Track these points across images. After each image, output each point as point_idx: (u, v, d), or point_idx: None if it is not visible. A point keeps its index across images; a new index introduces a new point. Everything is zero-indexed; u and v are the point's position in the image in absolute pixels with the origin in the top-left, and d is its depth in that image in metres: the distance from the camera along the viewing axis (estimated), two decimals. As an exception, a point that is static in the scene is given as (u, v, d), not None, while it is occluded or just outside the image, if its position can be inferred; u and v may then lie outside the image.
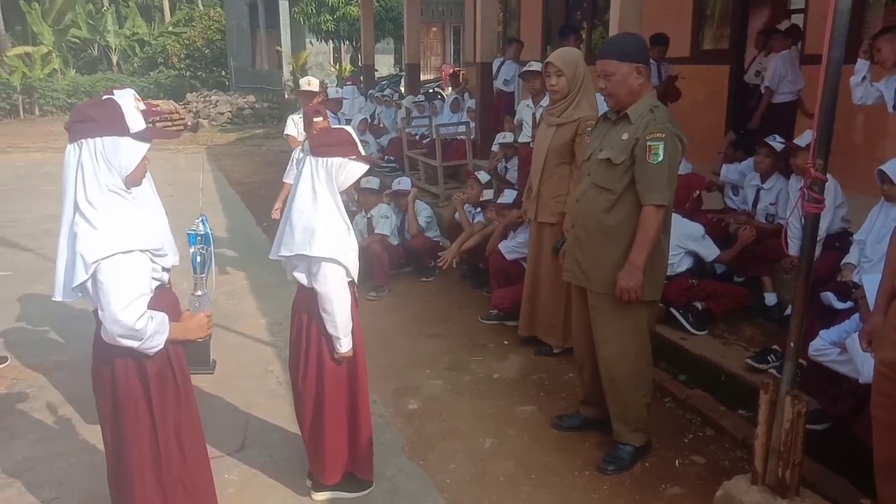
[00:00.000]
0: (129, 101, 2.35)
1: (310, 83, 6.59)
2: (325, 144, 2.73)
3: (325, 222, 2.74)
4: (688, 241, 4.56)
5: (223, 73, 30.05)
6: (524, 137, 6.48)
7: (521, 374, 4.45)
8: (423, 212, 6.48)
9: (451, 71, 14.82)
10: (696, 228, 4.63)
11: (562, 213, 4.31)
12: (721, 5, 7.89)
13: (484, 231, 5.77)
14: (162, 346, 2.34)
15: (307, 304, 2.91)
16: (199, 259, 2.68)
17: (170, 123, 18.36)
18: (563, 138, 4.19)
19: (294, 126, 6.44)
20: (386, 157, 10.22)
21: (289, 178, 5.78)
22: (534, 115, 6.32)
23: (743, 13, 7.78)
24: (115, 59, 29.97)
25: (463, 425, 3.83)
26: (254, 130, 19.00)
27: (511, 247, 5.23)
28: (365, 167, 2.82)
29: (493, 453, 3.57)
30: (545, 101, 6.09)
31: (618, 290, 3.15)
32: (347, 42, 20.29)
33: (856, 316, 3.21)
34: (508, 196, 5.46)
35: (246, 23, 28.08)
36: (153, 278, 2.35)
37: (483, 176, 6.24)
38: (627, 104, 3.17)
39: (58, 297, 2.29)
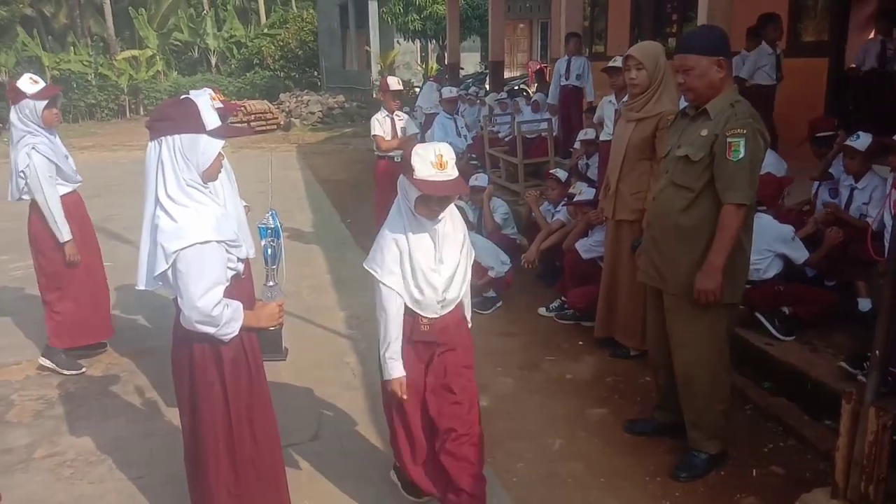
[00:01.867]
0: (205, 100, 2.47)
1: (399, 82, 6.67)
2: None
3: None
4: (777, 243, 4.36)
5: (315, 73, 30.85)
6: (605, 135, 6.37)
7: (594, 376, 4.38)
8: (499, 208, 6.47)
9: (537, 67, 14.73)
10: (786, 230, 4.43)
11: (642, 210, 4.20)
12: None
13: (563, 230, 5.70)
14: (237, 332, 2.44)
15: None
16: (269, 251, 2.79)
17: (263, 122, 19.07)
18: (642, 133, 4.09)
19: (380, 126, 6.55)
20: (469, 155, 10.26)
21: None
22: (616, 111, 6.21)
23: (845, 4, 7.36)
24: (213, 60, 31.27)
25: (532, 425, 3.80)
26: (343, 129, 19.44)
27: (588, 245, 5.14)
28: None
29: (562, 454, 3.53)
30: (627, 98, 5.98)
31: (696, 292, 3.05)
32: (434, 41, 20.47)
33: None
34: (587, 193, 5.37)
35: (337, 24, 28.77)
36: (229, 268, 2.45)
37: (561, 174, 6.16)
38: (707, 99, 3.06)
39: (141, 286, 2.43)
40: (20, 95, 4.21)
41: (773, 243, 4.31)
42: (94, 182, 10.50)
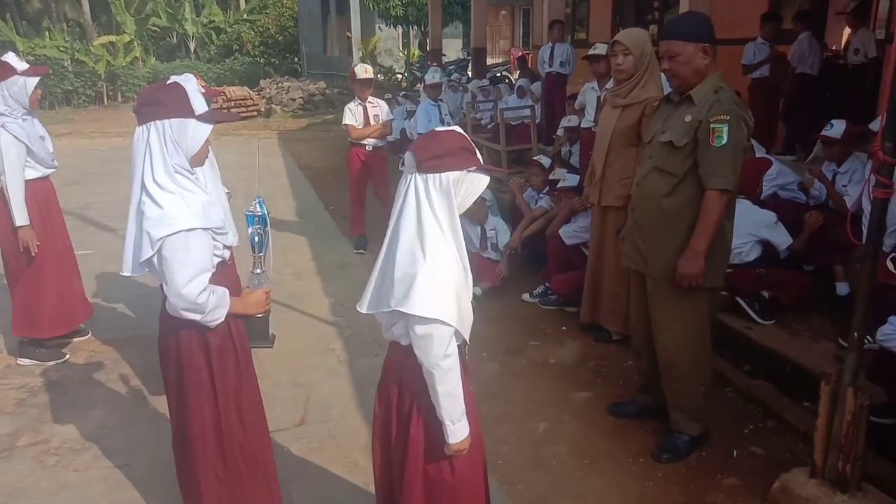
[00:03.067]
0: (192, 85, 2.45)
1: (366, 70, 6.61)
2: (435, 156, 1.99)
3: (433, 264, 1.97)
4: (760, 228, 4.43)
5: (296, 59, 30.57)
6: (587, 122, 6.41)
7: (578, 360, 4.42)
8: (485, 195, 6.49)
9: (519, 54, 14.72)
10: (768, 216, 4.50)
11: (628, 196, 4.22)
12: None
13: (546, 217, 5.73)
14: (223, 319, 2.43)
15: (401, 374, 2.19)
16: (256, 239, 2.78)
17: (243, 109, 18.90)
18: (628, 120, 4.11)
19: (351, 115, 6.52)
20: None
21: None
22: (599, 98, 6.23)
23: (824, -9, 7.44)
24: (192, 46, 30.88)
25: (517, 409, 3.84)
26: (324, 116, 19.31)
27: (571, 231, 5.18)
28: (486, 181, 2.07)
29: (547, 437, 3.57)
30: (610, 84, 6.00)
31: (678, 276, 3.09)
32: (416, 27, 20.37)
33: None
34: (571, 180, 5.40)
35: (318, 9, 28.49)
36: (215, 255, 2.45)
37: (545, 161, 6.18)
38: (692, 85, 3.09)
39: (126, 272, 2.41)
40: (9, 72, 4.08)
41: (755, 228, 4.38)
42: (73, 169, 10.39)
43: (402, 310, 1.98)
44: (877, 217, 2.42)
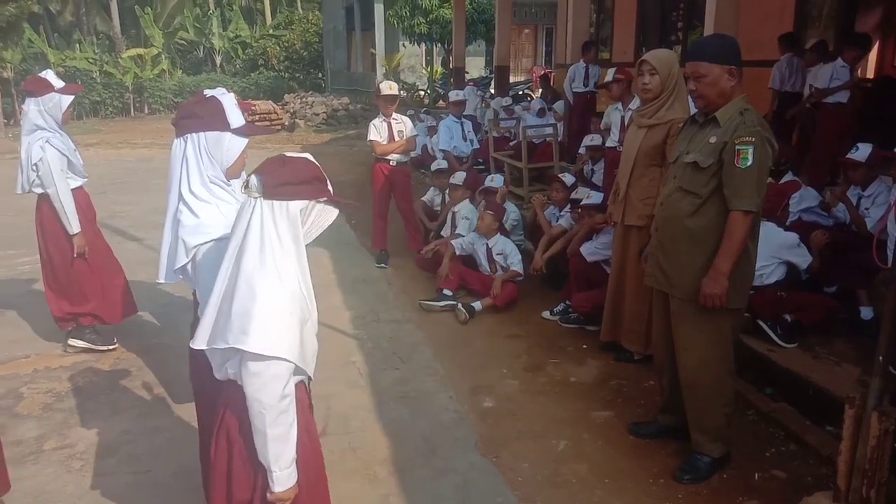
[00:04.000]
0: (229, 99, 2.53)
1: (391, 87, 6.69)
2: (287, 182, 1.94)
3: (275, 296, 1.90)
4: (783, 251, 4.40)
5: (320, 74, 30.94)
6: (612, 141, 6.43)
7: (599, 379, 4.42)
8: (511, 214, 6.51)
9: (541, 73, 14.79)
10: (791, 237, 4.47)
11: (650, 216, 4.22)
12: (828, 5, 7.54)
13: (566, 236, 5.74)
14: None
15: (238, 407, 2.01)
16: None
17: (267, 123, 19.13)
18: (653, 140, 4.11)
19: (376, 131, 6.61)
20: (475, 159, 10.32)
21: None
22: (622, 118, 6.27)
23: (850, 13, 7.42)
24: (218, 60, 31.39)
25: (537, 426, 3.84)
26: (347, 131, 19.48)
27: (592, 249, 5.19)
28: (335, 213, 2.05)
29: (567, 456, 3.57)
30: (634, 104, 6.03)
31: (702, 296, 3.09)
32: (439, 44, 20.55)
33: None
34: (595, 198, 5.41)
35: (342, 26, 28.83)
36: None
37: (568, 178, 6.21)
38: (717, 107, 3.11)
39: (161, 279, 2.50)
40: (47, 88, 4.29)
41: (778, 250, 4.36)
42: (100, 179, 10.56)
43: (239, 346, 1.86)
44: (904, 241, 2.42)
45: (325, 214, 2.01)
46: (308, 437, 2.10)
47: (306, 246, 2.01)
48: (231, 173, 2.46)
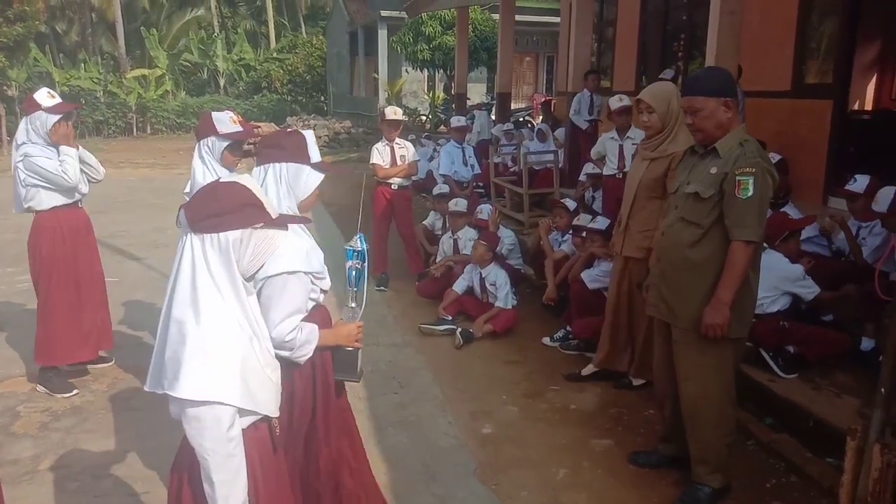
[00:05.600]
0: (311, 135, 2.59)
1: (395, 112, 6.77)
2: (212, 214, 1.84)
3: (207, 337, 1.81)
4: (787, 283, 4.38)
5: (322, 98, 31.18)
6: (609, 170, 6.48)
7: (598, 407, 4.40)
8: (506, 238, 6.53)
9: (542, 100, 14.90)
10: (796, 270, 4.44)
11: (648, 248, 4.22)
12: (827, 38, 7.62)
13: (568, 263, 5.75)
14: (311, 354, 2.44)
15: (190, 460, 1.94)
16: (354, 273, 2.79)
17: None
18: (654, 172, 4.13)
19: (378, 154, 6.69)
20: (475, 184, 10.37)
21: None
22: (620, 147, 6.32)
23: (850, 46, 7.49)
24: (222, 82, 31.62)
25: (536, 454, 3.82)
26: (349, 154, 19.59)
27: (594, 276, 5.20)
28: (283, 236, 1.99)
29: (566, 484, 3.54)
30: (632, 133, 6.09)
31: (703, 326, 3.10)
32: (442, 70, 20.72)
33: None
34: (601, 223, 5.43)
35: (346, 51, 29.10)
36: (311, 298, 2.49)
37: (570, 203, 6.24)
38: (716, 139, 3.13)
39: None
40: (35, 107, 4.30)
41: (782, 282, 4.33)
42: (101, 198, 10.55)
43: (170, 393, 1.78)
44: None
45: (267, 241, 1.91)
46: (275, 479, 2.05)
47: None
48: (304, 206, 2.51)
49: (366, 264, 2.85)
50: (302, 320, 2.40)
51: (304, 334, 2.38)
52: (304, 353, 2.41)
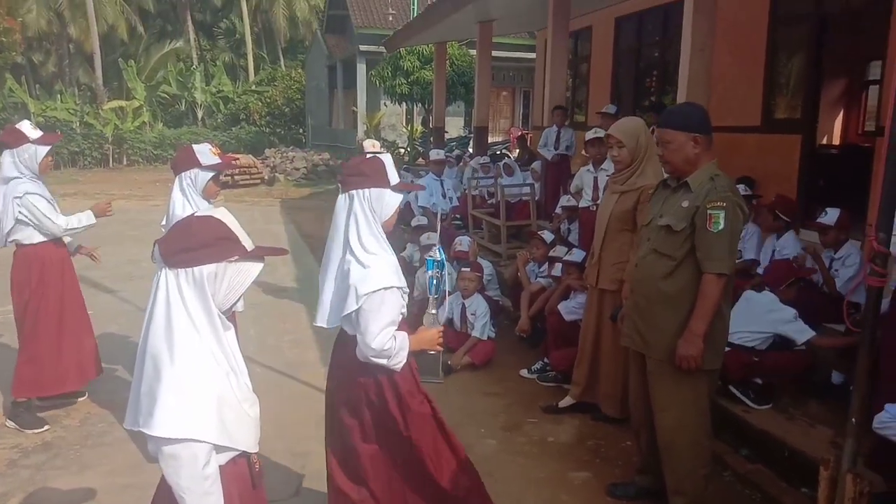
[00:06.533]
0: (388, 158, 2.72)
1: (374, 145, 6.84)
2: (185, 249, 1.84)
3: (182, 374, 1.81)
4: (778, 324, 4.42)
5: (301, 130, 31.30)
6: (584, 202, 6.57)
7: (576, 439, 4.41)
8: (486, 269, 6.55)
9: (518, 134, 15.09)
10: (788, 312, 4.45)
11: (621, 280, 4.29)
12: (795, 74, 7.85)
13: (545, 295, 5.80)
14: (405, 360, 2.68)
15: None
16: (434, 282, 3.02)
17: (248, 176, 19.21)
18: (624, 205, 4.21)
19: None
20: (453, 216, 10.43)
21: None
22: (595, 179, 6.42)
23: (816, 82, 7.72)
24: (200, 114, 31.64)
25: (515, 488, 3.80)
26: (327, 186, 19.62)
27: (570, 308, 5.24)
28: (258, 268, 1.97)
29: (545, 517, 3.53)
30: (606, 165, 6.19)
31: (677, 357, 3.13)
32: (420, 104, 20.93)
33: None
34: (577, 255, 5.49)
35: (325, 84, 29.33)
36: (400, 312, 2.68)
37: (548, 235, 6.31)
38: (684, 173, 3.21)
39: (321, 324, 2.73)
40: (22, 139, 4.27)
41: (774, 324, 4.37)
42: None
43: (145, 431, 1.78)
44: (872, 304, 2.49)
45: (242, 274, 1.91)
46: None
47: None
48: (387, 226, 2.68)
49: (444, 273, 3.07)
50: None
51: (398, 343, 2.62)
52: (400, 359, 2.65)
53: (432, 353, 2.89)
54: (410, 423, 2.75)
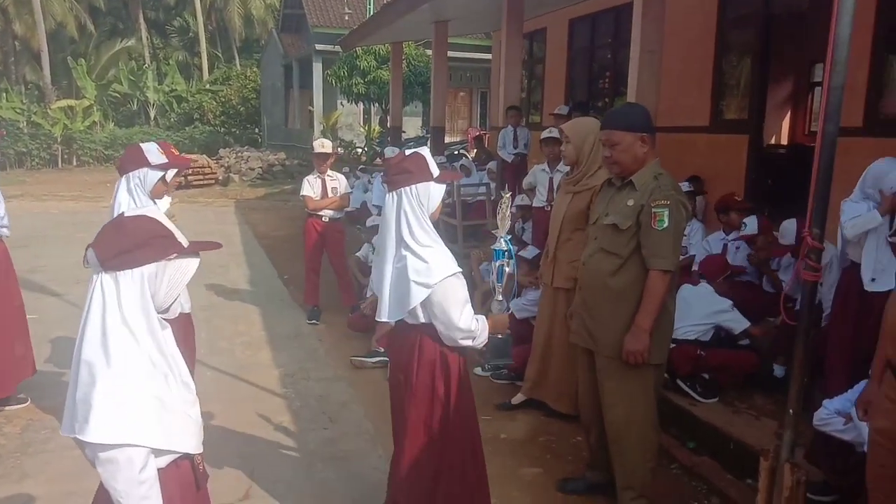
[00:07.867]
0: (428, 152, 2.78)
1: (323, 145, 6.81)
2: (122, 251, 1.79)
3: (117, 378, 1.76)
4: (715, 315, 4.52)
5: (256, 130, 30.92)
6: (539, 202, 6.61)
7: (528, 435, 4.44)
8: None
9: (476, 134, 15.12)
10: (724, 303, 4.56)
11: (576, 279, 4.33)
12: (743, 76, 8.03)
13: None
14: (486, 339, 2.81)
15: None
16: (504, 270, 3.14)
17: (201, 177, 18.91)
18: (578, 206, 4.25)
19: (309, 186, 6.70)
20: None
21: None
22: (550, 179, 6.47)
23: (763, 84, 7.91)
24: (152, 113, 31.03)
25: (467, 484, 3.81)
26: (283, 186, 19.44)
27: (521, 305, 5.27)
28: (195, 264, 1.94)
29: (496, 514, 3.54)
30: (561, 166, 6.24)
31: (624, 353, 3.17)
32: (377, 104, 20.87)
33: (860, 385, 3.19)
34: (529, 252, 5.52)
35: (280, 83, 29.03)
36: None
37: (531, 251, 6.32)
38: (631, 172, 3.25)
39: (384, 318, 2.77)
40: None
41: (711, 316, 4.47)
42: (22, 232, 10.16)
43: (80, 437, 1.73)
44: (808, 298, 2.55)
45: (181, 271, 1.89)
46: None
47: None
48: (434, 217, 2.75)
49: (513, 261, 3.19)
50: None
51: (480, 323, 2.76)
52: (484, 339, 2.80)
53: (500, 336, 3.04)
54: (460, 410, 2.86)
